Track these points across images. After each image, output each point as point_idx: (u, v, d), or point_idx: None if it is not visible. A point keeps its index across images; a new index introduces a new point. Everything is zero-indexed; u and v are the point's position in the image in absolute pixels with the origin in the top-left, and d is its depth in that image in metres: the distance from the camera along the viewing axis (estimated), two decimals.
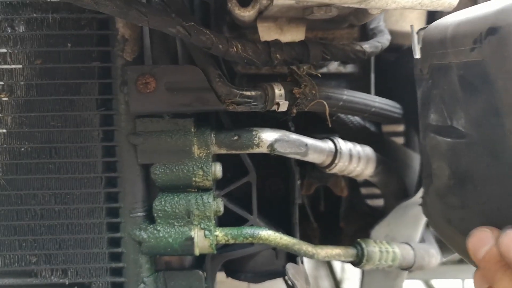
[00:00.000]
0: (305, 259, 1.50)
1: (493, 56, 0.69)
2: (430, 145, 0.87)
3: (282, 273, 1.22)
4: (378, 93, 1.34)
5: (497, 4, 0.71)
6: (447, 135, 0.81)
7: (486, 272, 0.67)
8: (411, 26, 0.90)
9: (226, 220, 1.15)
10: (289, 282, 1.00)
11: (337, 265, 3.82)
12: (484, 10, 0.73)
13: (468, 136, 0.75)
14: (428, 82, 0.87)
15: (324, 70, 1.31)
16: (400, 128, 1.89)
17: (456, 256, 2.37)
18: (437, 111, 0.84)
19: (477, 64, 0.71)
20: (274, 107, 1.01)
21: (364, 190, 1.77)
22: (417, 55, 0.90)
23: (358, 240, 1.20)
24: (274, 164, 1.30)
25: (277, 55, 0.98)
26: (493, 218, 0.72)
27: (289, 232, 1.18)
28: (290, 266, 1.04)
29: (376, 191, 1.72)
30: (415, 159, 1.43)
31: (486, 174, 0.73)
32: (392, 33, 1.24)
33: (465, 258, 0.80)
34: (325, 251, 1.14)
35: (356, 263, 1.18)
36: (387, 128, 1.87)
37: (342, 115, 1.25)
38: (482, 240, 0.69)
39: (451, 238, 0.85)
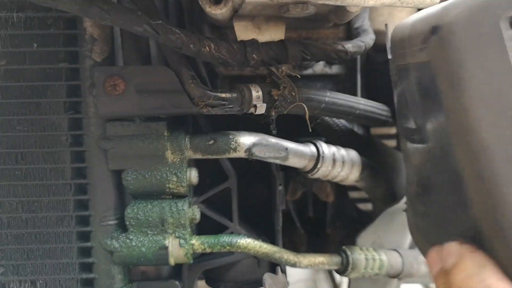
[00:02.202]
0: None
1: (435, 57, 0.65)
2: (404, 150, 0.83)
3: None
4: (368, 95, 1.29)
5: (444, 2, 0.67)
6: (412, 140, 0.77)
7: None
8: (386, 25, 0.86)
9: (206, 227, 1.10)
10: None
11: None
12: (434, 8, 0.69)
13: (428, 141, 0.71)
14: (397, 84, 0.83)
15: (309, 71, 1.26)
16: (393, 130, 1.85)
17: None
18: (403, 116, 0.80)
19: (426, 65, 0.67)
20: (251, 110, 0.97)
21: (355, 194, 1.72)
22: (389, 55, 0.86)
23: (343, 247, 1.15)
24: (257, 168, 1.25)
25: (254, 55, 0.93)
26: (445, 229, 0.69)
27: (272, 239, 1.13)
28: (267, 277, 0.99)
29: (366, 194, 1.68)
30: None
31: (439, 181, 0.69)
32: (381, 33, 1.19)
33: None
34: (307, 259, 1.09)
35: (341, 271, 1.13)
36: (378, 130, 1.83)
37: (327, 118, 1.20)
38: (433, 260, 0.68)
39: (421, 247, 0.81)
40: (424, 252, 0.80)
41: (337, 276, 3.69)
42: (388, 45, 0.83)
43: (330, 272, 3.88)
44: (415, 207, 0.80)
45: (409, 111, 0.77)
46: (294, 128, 1.22)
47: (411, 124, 0.77)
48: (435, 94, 0.66)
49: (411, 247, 1.35)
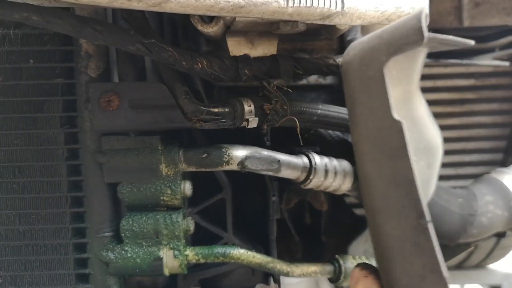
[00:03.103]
0: None
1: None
2: None
3: None
4: None
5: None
6: None
7: None
8: None
9: (201, 237, 1.12)
10: None
11: None
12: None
13: None
14: None
15: (304, 82, 1.27)
16: None
17: (452, 261, 2.35)
18: None
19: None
20: (244, 124, 0.98)
21: (351, 199, 1.74)
22: None
23: (336, 256, 1.16)
24: (252, 178, 1.26)
25: (246, 71, 0.94)
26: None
27: (267, 249, 1.15)
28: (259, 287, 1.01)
29: None
30: None
31: None
32: None
33: None
34: (300, 269, 1.11)
35: (334, 280, 1.15)
36: None
37: (320, 129, 1.21)
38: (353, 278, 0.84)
39: None
40: None
41: None
42: None
43: None
44: None
45: None
46: (289, 136, 1.23)
47: None
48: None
49: None
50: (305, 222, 1.52)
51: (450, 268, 2.33)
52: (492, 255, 2.29)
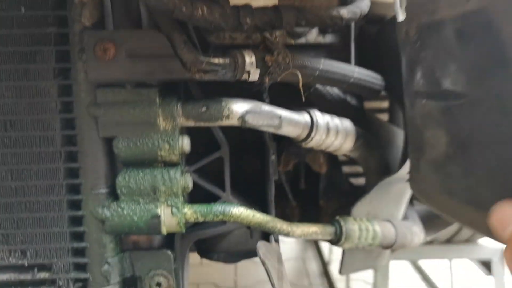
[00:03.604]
0: (290, 240, 1.45)
1: (497, 2, 0.61)
2: (421, 114, 0.80)
3: (257, 253, 1.16)
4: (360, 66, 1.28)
5: None
6: (441, 98, 0.74)
7: None
8: None
9: (198, 198, 1.09)
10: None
11: (325, 246, 3.80)
12: None
13: (468, 96, 0.68)
14: (415, 44, 0.80)
15: (303, 40, 1.24)
16: (385, 104, 1.84)
17: (443, 235, 2.35)
18: (427, 75, 0.77)
19: (477, 13, 0.64)
20: (245, 76, 0.95)
21: (347, 169, 1.72)
22: (401, 17, 0.84)
23: (337, 217, 1.14)
24: (249, 140, 1.23)
25: (247, 20, 0.91)
26: (508, 181, 0.64)
27: (265, 210, 1.12)
28: (261, 245, 0.99)
29: (359, 169, 1.67)
30: (399, 135, 1.38)
31: (494, 134, 0.65)
32: (374, 3, 1.17)
33: (477, 230, 0.74)
34: (301, 229, 1.08)
35: (335, 241, 1.13)
36: (370, 104, 1.82)
37: (320, 87, 1.18)
38: (505, 218, 0.61)
39: (455, 212, 0.78)
40: (462, 217, 0.76)
41: (325, 254, 3.72)
42: (400, 6, 0.81)
43: (318, 250, 3.91)
44: (445, 170, 0.76)
45: (437, 70, 0.74)
46: (286, 100, 1.20)
47: (436, 84, 0.75)
48: (491, 42, 0.63)
49: (404, 219, 1.35)
50: (300, 187, 1.50)
51: (438, 243, 2.33)
52: None
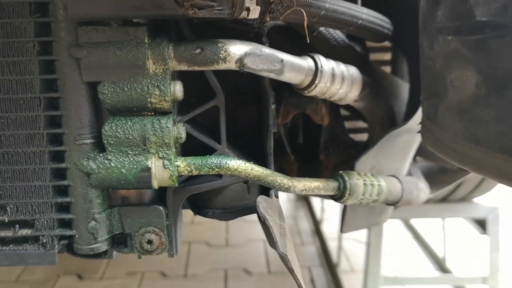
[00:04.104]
0: (281, 199, 1.39)
1: None
2: (445, 53, 0.72)
3: (254, 209, 1.09)
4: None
5: None
6: (474, 32, 0.66)
7: None
8: None
9: (191, 151, 1.01)
10: (261, 217, 0.87)
11: (316, 205, 3.78)
12: None
13: (509, 26, 0.60)
14: None
15: None
16: (387, 56, 1.76)
17: (436, 194, 2.31)
18: (455, 7, 0.68)
19: None
20: (244, 14, 0.85)
21: (347, 124, 1.64)
22: None
23: (340, 172, 1.07)
24: (246, 89, 1.14)
25: None
26: None
27: (263, 164, 1.05)
28: (261, 199, 0.91)
29: (360, 125, 1.60)
30: (403, 88, 1.30)
31: None
32: None
33: (507, 182, 0.67)
34: (302, 184, 1.01)
35: (338, 197, 1.06)
36: (373, 56, 1.74)
37: (324, 31, 1.09)
38: None
39: (480, 161, 0.71)
40: (489, 167, 0.69)
41: (317, 214, 3.70)
42: None
43: (310, 209, 3.89)
44: (473, 115, 0.70)
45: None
46: (286, 46, 1.11)
47: (469, 15, 0.66)
48: None
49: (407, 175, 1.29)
50: (298, 142, 1.43)
51: (432, 202, 2.29)
52: (480, 187, 2.27)
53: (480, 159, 0.69)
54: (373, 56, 1.73)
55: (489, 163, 0.67)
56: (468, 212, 2.48)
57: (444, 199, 2.46)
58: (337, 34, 1.11)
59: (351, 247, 3.28)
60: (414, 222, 3.51)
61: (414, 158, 1.40)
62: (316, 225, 3.61)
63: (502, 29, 0.61)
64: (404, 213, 2.61)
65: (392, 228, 3.43)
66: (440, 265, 3.04)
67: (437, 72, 0.75)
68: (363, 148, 1.21)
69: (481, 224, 2.52)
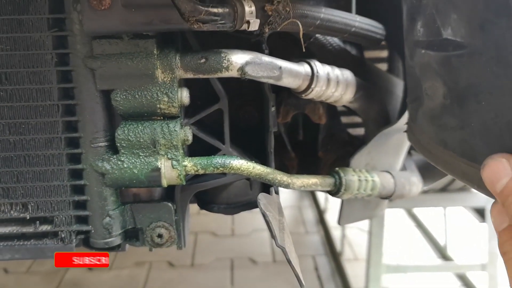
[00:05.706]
0: (285, 190, 1.46)
1: None
2: (421, 64, 0.79)
3: (256, 204, 1.17)
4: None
5: None
6: (441, 48, 0.72)
7: (506, 207, 0.60)
8: None
9: (197, 151, 1.09)
10: (261, 213, 0.95)
11: (321, 195, 3.85)
12: None
13: (469, 47, 0.67)
14: None
15: None
16: (384, 54, 1.82)
17: (438, 184, 2.38)
18: (428, 24, 0.75)
19: None
20: (244, 26, 0.92)
21: (345, 119, 1.71)
22: None
23: (336, 168, 1.15)
24: (248, 92, 1.22)
25: None
26: (504, 135, 0.64)
27: (264, 162, 1.12)
28: (262, 196, 0.99)
29: (357, 119, 1.67)
30: (399, 86, 1.37)
31: (494, 86, 0.64)
32: None
33: (468, 183, 0.74)
34: (301, 181, 1.09)
35: (334, 192, 1.14)
36: (370, 54, 1.80)
37: (320, 37, 1.16)
38: (498, 171, 0.60)
39: (448, 163, 0.77)
40: (455, 169, 0.75)
41: (321, 203, 3.77)
42: None
43: (314, 199, 3.95)
44: (441, 122, 0.76)
45: (437, 19, 0.72)
46: (285, 51, 1.18)
47: (437, 33, 0.73)
48: None
49: (402, 170, 1.36)
50: (298, 138, 1.50)
51: (433, 192, 2.35)
52: None
53: (448, 161, 0.76)
54: (370, 54, 1.79)
55: (455, 166, 0.74)
56: (468, 201, 2.55)
57: (444, 189, 2.52)
58: (333, 40, 1.18)
59: (354, 236, 3.35)
60: (417, 211, 3.57)
61: (409, 152, 1.47)
62: (320, 214, 3.67)
63: (461, 49, 0.68)
64: (407, 203, 2.68)
65: (395, 217, 3.50)
66: (442, 253, 3.11)
67: (416, 80, 0.82)
68: (359, 144, 1.29)
69: (480, 213, 2.58)
